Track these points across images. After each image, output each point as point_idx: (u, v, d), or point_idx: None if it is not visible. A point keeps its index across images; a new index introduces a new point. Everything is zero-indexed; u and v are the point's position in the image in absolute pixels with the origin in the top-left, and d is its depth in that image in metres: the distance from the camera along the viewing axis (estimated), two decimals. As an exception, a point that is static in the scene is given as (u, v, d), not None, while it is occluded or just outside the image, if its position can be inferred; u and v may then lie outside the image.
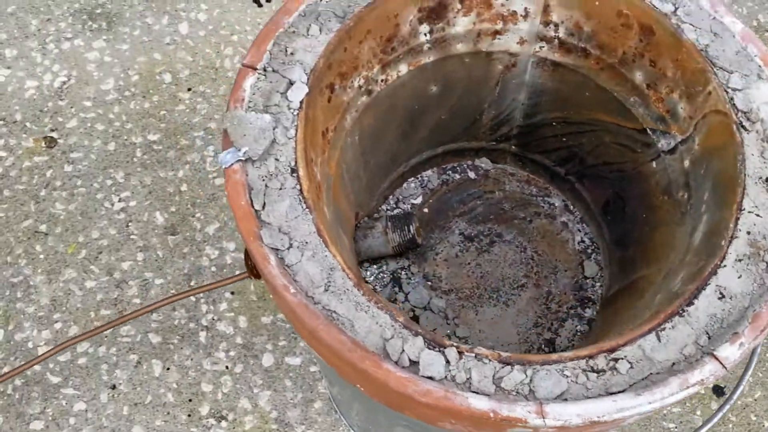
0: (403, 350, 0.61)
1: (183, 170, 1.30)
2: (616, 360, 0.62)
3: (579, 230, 1.02)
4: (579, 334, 0.95)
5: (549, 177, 1.04)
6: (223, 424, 1.12)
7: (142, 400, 1.13)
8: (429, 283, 0.99)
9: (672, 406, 1.17)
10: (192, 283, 1.20)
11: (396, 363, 0.61)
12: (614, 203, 0.95)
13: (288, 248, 0.65)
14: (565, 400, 0.60)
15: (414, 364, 0.61)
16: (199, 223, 1.25)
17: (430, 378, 0.60)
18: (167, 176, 1.29)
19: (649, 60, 0.81)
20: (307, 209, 0.67)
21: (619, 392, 0.60)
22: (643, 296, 0.80)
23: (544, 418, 0.58)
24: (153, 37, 1.44)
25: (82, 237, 1.24)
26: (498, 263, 1.00)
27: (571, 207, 1.03)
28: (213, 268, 1.22)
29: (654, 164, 0.85)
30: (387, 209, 1.04)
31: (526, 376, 0.61)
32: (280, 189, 0.68)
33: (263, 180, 0.68)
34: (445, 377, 0.61)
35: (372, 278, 0.98)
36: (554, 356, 0.62)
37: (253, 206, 0.67)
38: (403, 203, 1.04)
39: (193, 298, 1.20)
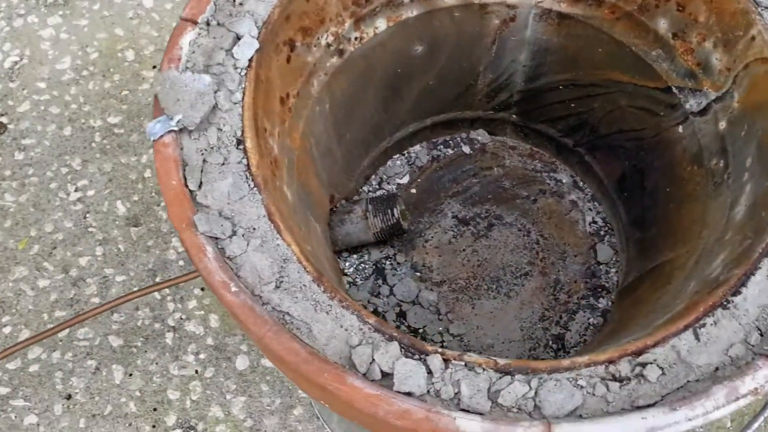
0: (373, 359, 0.48)
1: (147, 155, 1.17)
2: (643, 365, 0.49)
3: (590, 209, 0.89)
4: (592, 327, 0.82)
5: (555, 149, 0.91)
6: (193, 436, 1.00)
7: (100, 411, 1.01)
8: (418, 273, 0.86)
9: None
10: (157, 279, 1.07)
11: (364, 376, 0.48)
12: (631, 177, 0.82)
13: (230, 236, 0.52)
14: (580, 417, 0.47)
15: (387, 376, 0.48)
16: (164, 212, 1.12)
17: (408, 394, 0.47)
18: (129, 162, 1.16)
19: (676, 4, 0.68)
20: (256, 188, 0.54)
21: (649, 406, 0.47)
22: (669, 283, 0.67)
23: (553, 443, 0.45)
24: (115, 12, 1.31)
25: (34, 231, 1.12)
26: (498, 249, 0.87)
27: (581, 183, 0.90)
28: (181, 262, 1.09)
29: (680, 129, 0.71)
30: (369, 191, 0.91)
31: (530, 387, 0.48)
32: (223, 164, 0.55)
33: (201, 154, 0.56)
34: (428, 392, 0.48)
35: (351, 270, 0.86)
36: (565, 362, 0.49)
37: (187, 186, 0.54)
38: (388, 183, 0.91)
39: (158, 295, 1.07)
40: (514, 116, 0.89)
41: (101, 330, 1.06)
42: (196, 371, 1.04)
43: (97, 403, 1.02)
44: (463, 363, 0.49)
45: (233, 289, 0.50)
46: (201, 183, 0.54)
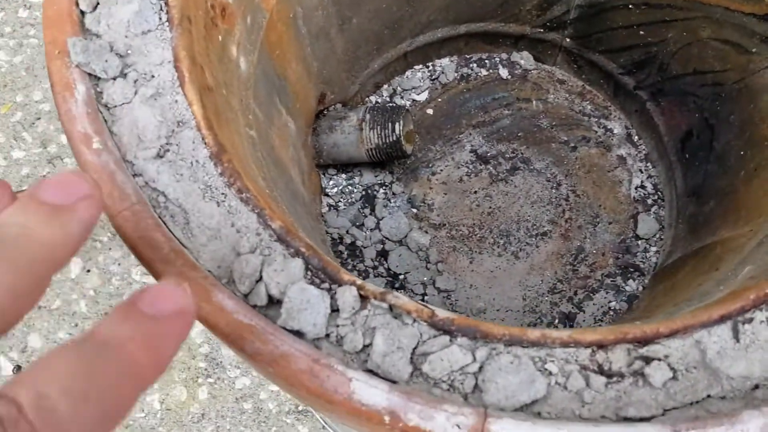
0: (261, 277, 0.34)
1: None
2: (647, 360, 0.33)
3: (641, 170, 0.72)
4: (612, 313, 0.66)
5: (612, 91, 0.73)
6: (142, 351, 0.88)
7: (47, 304, 0.90)
8: (414, 210, 0.71)
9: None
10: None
11: (245, 297, 0.34)
12: (699, 135, 0.64)
13: (114, 78, 0.38)
14: (537, 415, 0.32)
15: (275, 304, 0.34)
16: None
17: (297, 333, 0.33)
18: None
19: None
20: (168, 24, 0.40)
21: (642, 420, 0.32)
22: (717, 268, 0.50)
23: (483, 444, 0.30)
24: None
25: (21, 96, 1.01)
26: (516, 198, 0.71)
27: (636, 137, 0.73)
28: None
29: (773, 71, 0.54)
30: (377, 103, 0.75)
31: (474, 359, 0.33)
32: (135, -14, 0.41)
33: (110, -33, 0.41)
34: (327, 336, 0.33)
35: (335, 191, 0.71)
36: (534, 333, 0.34)
37: (77, 4, 0.40)
38: (402, 98, 0.75)
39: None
40: (567, 39, 0.72)
41: (69, 216, 0.95)
42: (159, 279, 0.92)
43: (45, 295, 0.91)
44: (386, 305, 0.34)
45: (95, 145, 0.36)
46: (98, 3, 0.40)
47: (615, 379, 0.33)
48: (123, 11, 0.40)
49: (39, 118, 1.00)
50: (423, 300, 0.66)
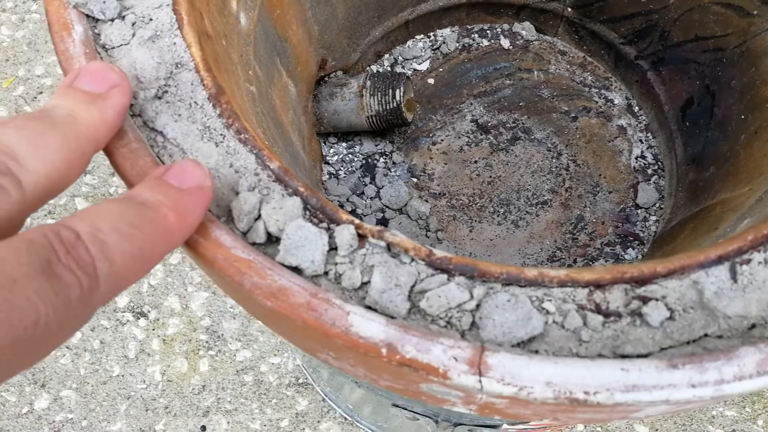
0: (260, 215, 0.34)
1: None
2: (645, 300, 0.33)
3: (641, 140, 0.72)
4: (611, 280, 0.66)
5: (613, 62, 0.73)
6: (142, 322, 0.88)
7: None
8: (414, 179, 0.71)
9: (729, 401, 0.86)
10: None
11: (243, 234, 0.34)
12: (700, 102, 0.64)
13: (112, 20, 0.38)
14: (534, 352, 0.32)
15: (273, 242, 0.34)
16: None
17: (296, 270, 0.33)
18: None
19: None
20: (168, -32, 0.40)
21: (638, 357, 0.32)
22: (716, 227, 0.50)
23: (480, 375, 0.30)
24: None
25: (23, 71, 1.01)
26: (517, 168, 0.71)
27: (636, 107, 0.73)
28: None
29: (775, 33, 0.54)
30: (378, 70, 0.75)
31: (472, 296, 0.33)
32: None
33: None
34: (325, 273, 0.33)
35: (336, 159, 0.71)
36: (531, 272, 0.34)
37: (78, -55, 0.40)
38: (402, 67, 0.75)
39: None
40: (569, 9, 0.72)
41: (70, 190, 0.95)
42: (160, 253, 0.92)
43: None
44: (383, 244, 0.34)
45: (94, 85, 0.36)
46: (97, -53, 0.40)
47: (612, 318, 0.33)
48: (123, -45, 0.40)
49: (41, 93, 1.00)
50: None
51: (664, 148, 0.70)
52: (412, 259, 0.34)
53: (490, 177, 0.70)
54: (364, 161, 0.71)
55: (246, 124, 0.36)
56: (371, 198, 0.70)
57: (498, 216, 0.69)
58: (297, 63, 0.61)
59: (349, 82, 0.68)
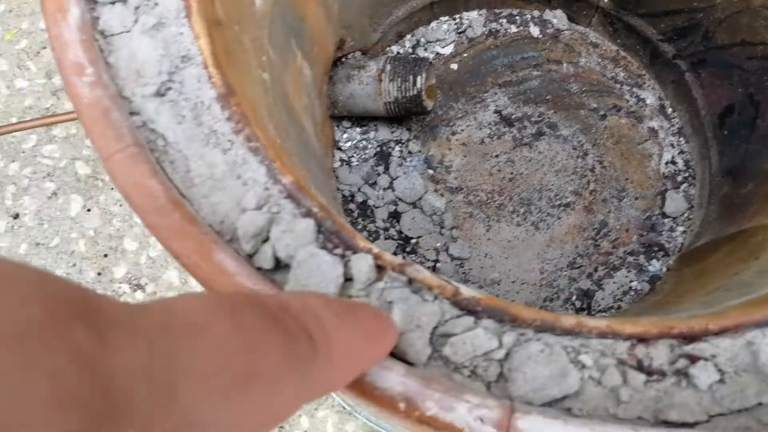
0: (269, 237, 0.30)
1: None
2: (692, 359, 0.30)
3: (673, 145, 0.67)
4: (632, 293, 0.62)
5: (648, 59, 0.69)
6: (138, 294, 0.85)
7: (46, 241, 0.87)
8: (430, 171, 0.67)
9: None
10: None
11: (249, 257, 0.30)
12: (741, 111, 0.60)
13: (113, 2, 0.34)
14: (567, 411, 0.29)
15: (282, 268, 0.30)
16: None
17: (305, 303, 0.29)
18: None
19: None
20: (179, -56, 0.35)
21: (684, 426, 0.28)
22: (757, 257, 0.46)
23: (507, 442, 0.27)
24: None
25: (26, 23, 0.96)
26: (540, 165, 0.67)
27: (670, 109, 0.68)
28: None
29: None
30: (399, 53, 0.71)
31: (501, 344, 0.29)
32: None
33: None
34: (338, 309, 0.30)
35: (349, 145, 0.67)
36: (569, 320, 0.30)
37: None
38: (425, 50, 0.71)
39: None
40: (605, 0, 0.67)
41: (70, 152, 0.91)
42: (159, 225, 0.88)
43: (44, 231, 0.88)
44: (404, 278, 0.30)
45: (88, 77, 0.32)
46: None
47: (655, 377, 0.30)
48: (128, -73, 0.35)
49: (45, 47, 0.95)
50: (434, 268, 0.63)
51: (696, 155, 0.66)
52: (436, 297, 0.30)
53: (512, 173, 0.66)
54: (378, 149, 0.67)
55: (257, 130, 0.32)
56: (384, 189, 0.66)
57: (517, 216, 0.65)
58: (314, 44, 0.57)
59: (368, 64, 0.63)
